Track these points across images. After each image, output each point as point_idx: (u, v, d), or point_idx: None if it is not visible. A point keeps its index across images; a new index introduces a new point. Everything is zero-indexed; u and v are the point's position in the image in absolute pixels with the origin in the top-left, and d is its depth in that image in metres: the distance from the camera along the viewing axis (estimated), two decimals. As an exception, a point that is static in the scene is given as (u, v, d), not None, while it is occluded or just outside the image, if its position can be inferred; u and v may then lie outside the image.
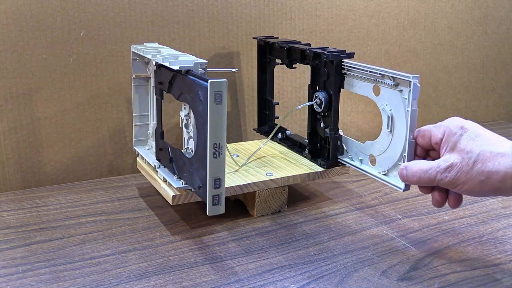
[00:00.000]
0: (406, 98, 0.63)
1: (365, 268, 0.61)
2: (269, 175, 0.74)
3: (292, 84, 1.01)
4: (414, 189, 0.83)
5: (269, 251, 0.65)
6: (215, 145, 0.57)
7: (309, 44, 0.82)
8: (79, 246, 0.66)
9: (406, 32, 1.11)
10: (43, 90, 0.83)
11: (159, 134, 0.72)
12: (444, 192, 0.61)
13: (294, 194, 0.81)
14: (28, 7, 0.80)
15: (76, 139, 0.87)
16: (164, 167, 0.72)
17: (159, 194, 0.73)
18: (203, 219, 0.73)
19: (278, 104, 0.89)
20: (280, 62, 0.85)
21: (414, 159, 0.64)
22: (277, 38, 0.88)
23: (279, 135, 0.88)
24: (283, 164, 0.78)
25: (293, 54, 0.81)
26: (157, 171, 0.73)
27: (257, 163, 0.79)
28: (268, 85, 0.89)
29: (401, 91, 0.64)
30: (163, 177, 0.71)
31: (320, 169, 0.77)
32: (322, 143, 0.78)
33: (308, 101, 0.78)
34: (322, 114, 0.77)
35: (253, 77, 0.96)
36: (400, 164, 0.65)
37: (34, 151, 0.85)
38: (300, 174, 0.75)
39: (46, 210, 0.76)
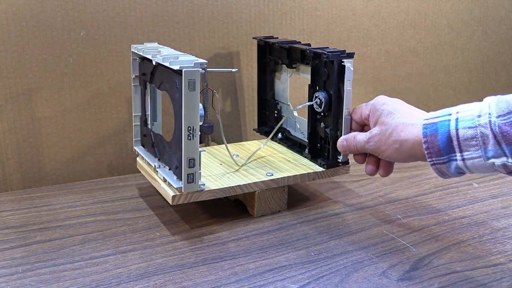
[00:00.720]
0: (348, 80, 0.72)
1: (365, 268, 0.61)
2: (269, 175, 0.74)
3: (292, 84, 1.01)
4: (414, 189, 0.84)
5: (269, 251, 0.65)
6: (189, 128, 0.63)
7: (309, 44, 0.82)
8: (79, 246, 0.66)
9: (406, 32, 1.11)
10: (43, 90, 0.83)
11: (143, 122, 0.78)
12: (375, 162, 0.70)
13: (294, 194, 0.81)
14: (28, 7, 0.80)
15: (76, 139, 0.87)
16: (147, 151, 0.78)
17: (159, 194, 0.73)
18: (203, 219, 0.73)
19: (278, 103, 0.89)
20: (280, 61, 0.85)
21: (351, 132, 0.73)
22: (277, 38, 0.88)
23: (279, 135, 0.88)
24: (283, 164, 0.78)
25: (293, 54, 0.81)
26: (157, 171, 0.73)
27: (257, 163, 0.79)
28: (268, 85, 0.89)
29: None
30: (163, 177, 0.71)
31: (320, 169, 0.77)
32: (322, 143, 0.78)
33: (308, 101, 0.78)
34: (322, 114, 0.77)
35: (253, 77, 0.96)
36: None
37: (34, 151, 0.85)
38: (300, 174, 0.75)
39: (46, 210, 0.76)
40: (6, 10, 0.79)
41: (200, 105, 0.65)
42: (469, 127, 0.57)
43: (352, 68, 0.72)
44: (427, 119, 0.62)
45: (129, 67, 0.83)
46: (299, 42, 0.83)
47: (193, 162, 0.65)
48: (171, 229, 0.70)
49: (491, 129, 0.55)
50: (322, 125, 0.77)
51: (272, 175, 0.74)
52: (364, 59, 1.08)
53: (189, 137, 0.64)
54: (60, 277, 0.59)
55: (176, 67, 0.63)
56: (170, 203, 0.68)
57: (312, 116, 0.78)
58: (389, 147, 0.65)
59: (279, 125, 0.82)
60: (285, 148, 0.86)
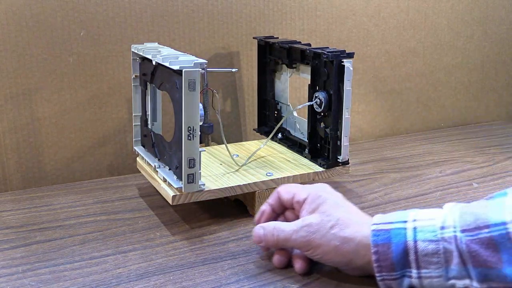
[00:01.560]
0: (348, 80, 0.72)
1: (365, 268, 0.61)
2: (269, 175, 0.74)
3: (292, 84, 1.01)
4: (414, 189, 0.84)
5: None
6: (189, 129, 0.63)
7: (309, 44, 0.82)
8: (79, 246, 0.66)
9: (406, 32, 1.11)
10: (43, 90, 0.83)
11: (143, 122, 0.78)
12: (288, 255, 0.60)
13: (294, 194, 0.81)
14: (28, 7, 0.80)
15: (76, 139, 0.87)
16: (147, 151, 0.78)
17: (159, 194, 0.73)
18: (203, 219, 0.73)
19: (278, 104, 0.89)
20: (281, 61, 0.85)
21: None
22: (277, 38, 0.88)
23: (279, 135, 0.88)
24: (283, 164, 0.78)
25: (293, 54, 0.81)
26: (157, 171, 0.73)
27: (257, 163, 0.79)
28: (268, 85, 0.89)
29: None
30: (163, 177, 0.71)
31: (320, 169, 0.77)
32: (322, 143, 0.78)
33: (308, 101, 0.78)
34: (322, 114, 0.77)
35: (253, 77, 0.96)
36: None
37: (34, 151, 0.85)
38: (300, 174, 0.75)
39: (46, 210, 0.76)
40: (6, 10, 0.79)
41: (200, 105, 0.65)
42: (430, 240, 0.49)
43: (352, 68, 0.72)
44: (377, 224, 0.53)
45: (129, 67, 0.83)
46: (299, 42, 0.83)
47: (193, 162, 0.65)
48: (171, 229, 0.70)
49: (457, 246, 0.48)
50: (322, 125, 0.77)
51: (272, 175, 0.74)
52: (364, 59, 1.08)
53: (189, 137, 0.64)
54: (60, 277, 0.59)
55: (176, 67, 0.63)
56: (170, 203, 0.68)
57: (312, 116, 0.78)
58: (326, 243, 0.54)
59: (279, 125, 0.82)
60: (285, 148, 0.86)
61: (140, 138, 0.81)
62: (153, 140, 0.76)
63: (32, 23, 0.80)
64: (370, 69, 1.09)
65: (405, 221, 0.52)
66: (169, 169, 0.71)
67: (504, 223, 0.47)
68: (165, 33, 0.89)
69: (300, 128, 0.85)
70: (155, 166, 0.73)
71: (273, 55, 0.86)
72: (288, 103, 0.86)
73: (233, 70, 0.80)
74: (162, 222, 0.72)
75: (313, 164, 0.78)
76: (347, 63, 0.71)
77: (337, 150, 0.76)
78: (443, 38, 1.16)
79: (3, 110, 0.81)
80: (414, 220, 0.52)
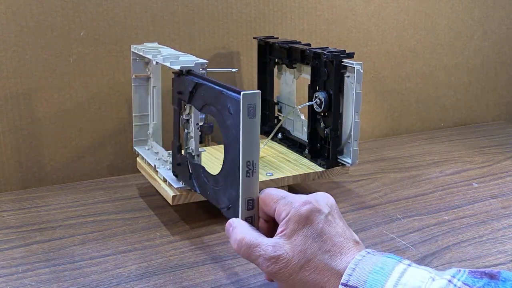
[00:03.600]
0: (352, 83, 0.71)
1: (365, 268, 0.61)
2: (269, 175, 0.74)
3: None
4: (414, 189, 0.84)
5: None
6: (249, 163, 0.52)
7: (309, 44, 0.82)
8: (79, 246, 0.66)
9: (406, 32, 1.11)
10: (43, 90, 0.83)
11: (176, 148, 0.67)
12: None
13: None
14: (28, 7, 0.80)
15: (76, 139, 0.87)
16: (183, 184, 0.68)
17: (159, 194, 0.73)
18: (203, 219, 0.73)
19: (278, 104, 0.89)
20: (280, 62, 0.85)
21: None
22: (277, 38, 0.88)
23: (279, 135, 0.88)
24: (283, 164, 0.78)
25: (293, 54, 0.81)
26: (157, 171, 0.73)
27: (257, 163, 0.79)
28: (268, 85, 0.89)
29: (348, 76, 0.72)
30: (163, 177, 0.71)
31: (320, 169, 0.77)
32: (322, 143, 0.78)
33: (308, 101, 0.78)
34: (322, 114, 0.77)
35: (253, 77, 0.96)
36: (349, 143, 0.74)
37: (34, 151, 0.85)
38: (300, 174, 0.75)
39: (46, 210, 0.76)
40: (6, 10, 0.79)
41: (259, 134, 0.54)
42: None
43: (362, 71, 0.70)
44: (347, 286, 0.45)
45: (129, 67, 0.83)
46: (299, 42, 0.83)
47: (251, 204, 0.53)
48: (171, 229, 0.70)
49: None
50: (322, 125, 0.77)
51: (272, 175, 0.74)
52: (364, 59, 1.08)
53: (248, 174, 0.52)
54: (60, 277, 0.59)
55: (177, 67, 0.62)
56: (170, 203, 0.68)
57: (312, 116, 0.78)
58: (291, 284, 0.48)
59: (279, 125, 0.82)
60: (285, 148, 0.86)
61: (140, 138, 0.80)
62: (190, 171, 0.65)
63: (32, 23, 0.80)
64: (370, 69, 1.09)
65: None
66: (169, 169, 0.71)
67: None
68: (165, 33, 0.89)
69: (300, 128, 0.85)
70: (155, 166, 0.73)
71: (273, 55, 0.86)
72: (295, 106, 0.85)
73: (233, 70, 0.80)
74: (162, 222, 0.72)
75: (313, 164, 0.78)
76: (356, 65, 0.70)
77: (337, 150, 0.76)
78: (443, 38, 1.16)
79: (3, 110, 0.81)
80: None
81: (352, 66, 0.71)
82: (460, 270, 0.44)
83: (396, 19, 1.09)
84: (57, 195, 0.81)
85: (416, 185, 0.86)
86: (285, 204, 0.50)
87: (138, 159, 0.80)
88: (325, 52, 0.73)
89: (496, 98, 1.27)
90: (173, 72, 0.65)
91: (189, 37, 0.91)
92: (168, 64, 0.64)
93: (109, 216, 0.74)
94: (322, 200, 0.51)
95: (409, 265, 0.45)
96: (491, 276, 0.42)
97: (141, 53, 0.74)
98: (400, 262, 0.46)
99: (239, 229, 0.52)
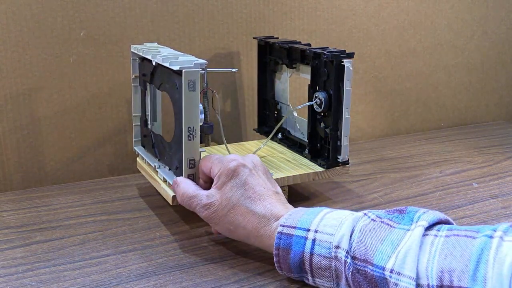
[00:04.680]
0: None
1: (365, 268, 0.61)
2: (269, 175, 0.74)
3: (292, 84, 1.01)
4: (414, 189, 0.84)
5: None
6: (190, 129, 0.63)
7: (309, 44, 0.82)
8: (79, 246, 0.66)
9: (406, 32, 1.11)
10: (43, 90, 0.83)
11: (143, 122, 0.78)
12: None
13: (294, 194, 0.81)
14: (28, 7, 0.80)
15: (76, 139, 0.87)
16: (148, 152, 0.78)
17: (159, 194, 0.73)
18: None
19: (278, 104, 0.89)
20: (281, 61, 0.85)
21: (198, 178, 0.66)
22: (277, 38, 0.88)
23: (279, 135, 0.88)
24: (283, 164, 0.78)
25: (293, 54, 0.81)
26: (157, 171, 0.73)
27: (257, 163, 0.79)
28: (268, 85, 0.89)
29: None
30: (163, 177, 0.71)
31: (320, 169, 0.77)
32: (322, 143, 0.78)
33: (308, 101, 0.78)
34: (322, 114, 0.77)
35: (253, 77, 0.96)
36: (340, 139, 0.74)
37: (34, 151, 0.85)
38: (300, 174, 0.75)
39: (46, 210, 0.76)
40: (6, 10, 0.79)
41: (200, 105, 0.65)
42: (324, 256, 0.52)
43: (351, 68, 0.71)
44: (283, 226, 0.55)
45: (129, 67, 0.83)
46: (299, 42, 0.83)
47: (193, 163, 0.65)
48: (171, 229, 0.70)
49: (345, 271, 0.51)
50: (322, 125, 0.77)
51: (272, 175, 0.74)
52: (364, 59, 1.08)
53: (190, 138, 0.64)
54: (60, 277, 0.59)
55: (176, 68, 0.63)
56: (170, 203, 0.68)
57: (312, 116, 0.78)
58: (222, 224, 0.60)
59: (279, 125, 0.82)
60: (285, 148, 0.86)
61: (140, 138, 0.81)
62: (153, 140, 0.76)
63: (32, 23, 0.81)
64: (370, 69, 1.09)
65: (308, 230, 0.54)
66: (169, 169, 0.71)
67: (383, 268, 0.48)
68: (165, 33, 0.89)
69: (300, 128, 0.85)
70: (155, 166, 0.74)
71: (273, 55, 0.86)
72: (288, 103, 0.86)
73: (233, 70, 0.80)
74: (162, 222, 0.72)
75: (313, 164, 0.78)
76: (347, 63, 0.71)
77: (337, 150, 0.76)
78: (443, 38, 1.16)
79: (3, 110, 0.82)
80: (316, 231, 0.53)
81: (342, 63, 0.72)
82: (378, 211, 0.54)
83: (396, 19, 1.09)
84: (57, 195, 0.81)
85: (416, 185, 0.86)
86: (218, 162, 0.62)
87: (138, 159, 0.80)
88: (325, 52, 0.73)
89: (496, 98, 1.27)
90: (138, 58, 0.76)
91: (189, 37, 0.91)
92: (167, 64, 0.64)
93: (109, 216, 0.74)
94: (248, 158, 0.63)
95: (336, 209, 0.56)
96: (400, 211, 0.52)
97: (141, 53, 0.74)
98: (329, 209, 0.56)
99: (182, 184, 0.63)
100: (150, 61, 0.70)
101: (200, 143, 0.68)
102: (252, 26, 0.96)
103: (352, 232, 0.51)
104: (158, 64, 0.69)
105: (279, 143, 0.88)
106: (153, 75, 0.72)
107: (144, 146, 0.80)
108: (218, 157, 0.63)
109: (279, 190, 0.63)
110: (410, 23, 1.11)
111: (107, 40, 0.85)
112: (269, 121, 0.91)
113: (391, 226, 0.51)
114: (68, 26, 0.83)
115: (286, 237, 0.54)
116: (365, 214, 0.54)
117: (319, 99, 0.75)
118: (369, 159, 0.98)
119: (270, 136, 0.83)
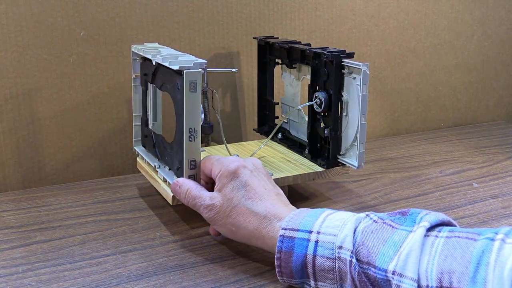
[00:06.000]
0: (359, 85, 0.70)
1: (365, 268, 0.61)
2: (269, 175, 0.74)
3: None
4: (414, 189, 0.84)
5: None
6: (191, 130, 0.63)
7: (309, 44, 0.82)
8: (79, 246, 0.66)
9: (406, 32, 1.11)
10: (43, 90, 0.83)
11: (144, 122, 0.78)
12: None
13: (294, 194, 0.81)
14: (28, 7, 0.80)
15: (76, 139, 0.87)
16: (148, 152, 0.78)
17: (159, 194, 0.73)
18: (203, 219, 0.73)
19: (278, 104, 0.89)
20: (280, 62, 0.85)
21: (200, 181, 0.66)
22: (277, 38, 0.88)
23: (279, 135, 0.88)
24: (283, 164, 0.78)
25: (293, 54, 0.81)
26: (157, 171, 0.73)
27: (257, 163, 0.79)
28: (268, 85, 0.89)
29: (354, 78, 0.71)
30: (163, 177, 0.71)
31: (320, 169, 0.77)
32: (322, 143, 0.78)
33: (308, 101, 0.78)
34: (322, 114, 0.77)
35: (253, 77, 0.96)
36: (355, 145, 0.72)
37: (34, 151, 0.85)
38: (300, 174, 0.75)
39: (46, 210, 0.76)
40: (6, 10, 0.79)
41: (200, 105, 0.65)
42: (327, 257, 0.51)
43: (368, 72, 0.69)
44: (285, 229, 0.54)
45: (129, 67, 0.83)
46: (299, 42, 0.83)
47: (194, 164, 0.65)
48: (171, 229, 0.70)
49: (350, 271, 0.50)
50: (322, 125, 0.77)
51: (272, 175, 0.74)
52: (364, 59, 1.08)
53: (191, 139, 0.64)
54: (60, 277, 0.59)
55: (176, 67, 0.63)
56: (170, 203, 0.68)
57: (312, 116, 0.78)
58: (224, 226, 0.60)
59: (279, 125, 0.82)
60: (285, 148, 0.86)
61: (140, 138, 0.81)
62: (154, 140, 0.76)
63: (32, 23, 0.81)
64: (370, 69, 1.08)
65: (310, 232, 0.53)
66: (169, 169, 0.71)
67: (385, 270, 0.48)
68: (165, 33, 0.89)
69: (300, 128, 0.85)
70: (155, 166, 0.74)
71: (273, 55, 0.86)
72: (299, 108, 0.84)
73: (233, 70, 0.80)
74: (162, 222, 0.72)
75: (313, 164, 0.78)
76: (363, 66, 0.68)
77: (337, 150, 0.76)
78: (443, 38, 1.16)
79: (3, 110, 0.82)
80: (318, 233, 0.53)
81: (359, 67, 0.69)
82: (380, 214, 0.54)
83: (396, 19, 1.09)
84: (57, 195, 0.81)
85: (416, 185, 0.86)
86: (219, 164, 0.62)
87: (138, 159, 0.80)
88: (325, 52, 0.73)
89: (496, 98, 1.27)
90: (140, 57, 0.76)
91: (189, 37, 0.91)
92: (167, 64, 0.64)
93: (109, 216, 0.74)
94: (249, 160, 0.63)
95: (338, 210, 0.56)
96: (403, 213, 0.52)
97: (141, 53, 0.74)
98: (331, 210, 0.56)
99: (185, 185, 0.63)
100: (151, 61, 0.70)
101: (201, 143, 0.68)
102: (252, 26, 0.96)
103: (354, 233, 0.51)
104: (159, 64, 0.69)
105: (279, 143, 0.88)
106: (154, 75, 0.72)
107: (144, 146, 0.80)
108: (218, 158, 0.63)
109: (281, 191, 0.62)
110: (410, 23, 1.11)
111: (107, 40, 0.85)
112: (269, 121, 0.91)
113: (393, 227, 0.51)
114: (68, 26, 0.83)
115: (288, 240, 0.54)
116: (367, 215, 0.53)
117: (319, 99, 0.75)
118: (369, 159, 0.98)
119: (270, 136, 0.83)
